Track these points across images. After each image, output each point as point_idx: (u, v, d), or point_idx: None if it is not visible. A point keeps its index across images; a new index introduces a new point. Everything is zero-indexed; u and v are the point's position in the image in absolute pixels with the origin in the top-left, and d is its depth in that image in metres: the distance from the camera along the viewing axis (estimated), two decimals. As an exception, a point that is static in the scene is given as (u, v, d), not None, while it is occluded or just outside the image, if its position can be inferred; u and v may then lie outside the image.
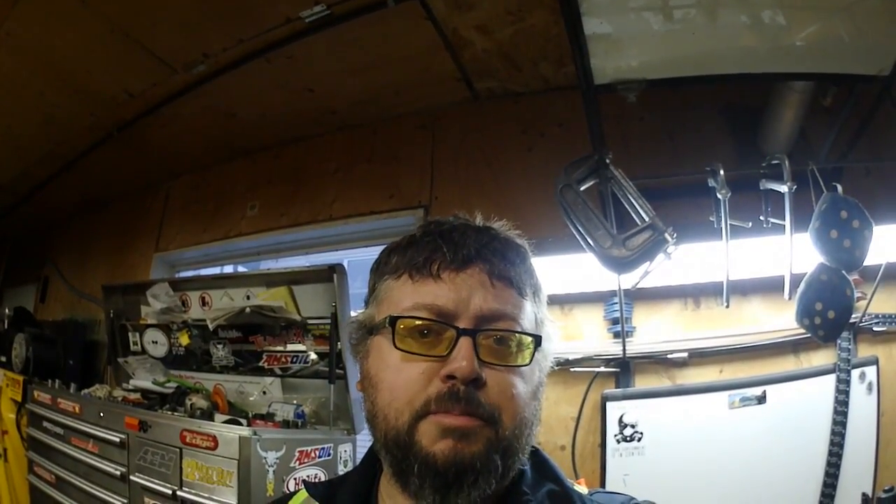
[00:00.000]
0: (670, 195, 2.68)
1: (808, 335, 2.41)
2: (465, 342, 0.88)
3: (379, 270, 1.02)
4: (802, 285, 2.22)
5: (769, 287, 2.63)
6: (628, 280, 2.57)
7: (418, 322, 0.91)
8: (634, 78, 2.35)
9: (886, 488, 2.47)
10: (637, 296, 2.78)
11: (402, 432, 0.89)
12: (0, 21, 2.84)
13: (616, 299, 2.74)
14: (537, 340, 0.93)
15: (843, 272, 2.20)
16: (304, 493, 1.09)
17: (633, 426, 2.66)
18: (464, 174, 3.22)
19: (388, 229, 3.33)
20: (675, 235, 2.20)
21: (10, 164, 4.43)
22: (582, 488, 1.03)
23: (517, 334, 0.92)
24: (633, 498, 1.01)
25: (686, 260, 2.58)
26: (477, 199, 3.11)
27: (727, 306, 2.41)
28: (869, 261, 2.42)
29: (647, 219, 2.25)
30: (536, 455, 1.03)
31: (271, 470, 2.48)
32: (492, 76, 3.11)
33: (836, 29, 2.17)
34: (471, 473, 0.86)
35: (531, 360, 0.92)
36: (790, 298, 2.26)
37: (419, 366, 0.90)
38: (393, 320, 0.92)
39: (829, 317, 2.19)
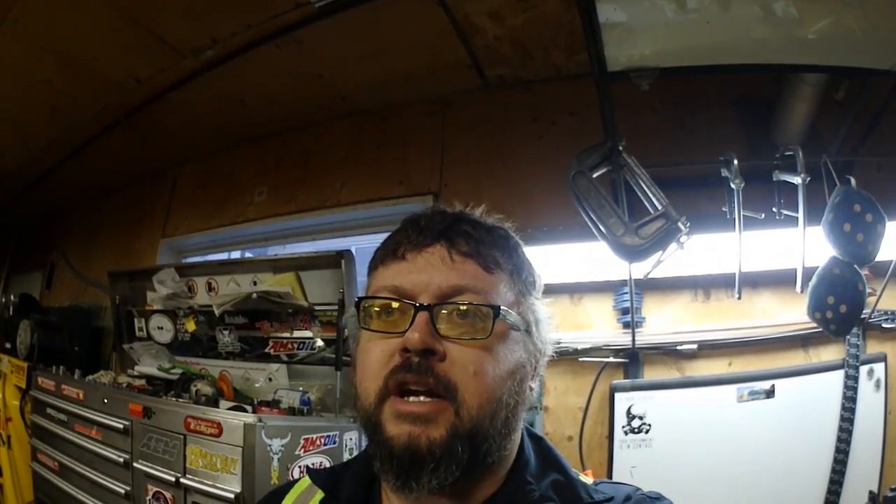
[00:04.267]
0: (681, 185, 2.64)
1: (818, 329, 2.39)
2: (420, 316, 0.90)
3: (370, 265, 1.05)
4: (814, 279, 2.20)
5: (779, 280, 2.61)
6: (639, 269, 2.55)
7: (379, 302, 0.95)
8: (648, 66, 2.32)
9: (893, 486, 2.45)
10: (647, 286, 2.76)
11: (371, 413, 0.91)
12: (7, 8, 2.83)
13: (626, 289, 2.72)
14: (496, 311, 0.92)
15: (856, 266, 2.17)
16: (306, 481, 1.10)
17: (641, 418, 2.64)
18: (474, 161, 3.20)
19: (397, 216, 3.24)
20: (688, 224, 2.18)
21: (18, 151, 4.43)
22: (587, 478, 1.02)
23: (476, 306, 0.92)
24: (638, 489, 1.00)
25: (696, 251, 2.56)
26: (487, 186, 3.09)
27: (739, 298, 2.39)
28: (879, 257, 2.40)
29: (660, 207, 2.22)
30: (541, 444, 1.03)
31: (276, 457, 2.46)
32: (503, 63, 3.08)
33: (849, 22, 2.13)
34: (429, 461, 0.86)
35: (491, 332, 0.91)
36: (802, 291, 2.23)
37: (383, 343, 0.92)
38: (358, 302, 0.97)
39: (841, 311, 2.17)
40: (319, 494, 1.06)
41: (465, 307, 0.91)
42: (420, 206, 3.11)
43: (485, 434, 0.89)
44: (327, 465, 2.60)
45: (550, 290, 2.71)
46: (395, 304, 0.93)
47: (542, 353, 1.01)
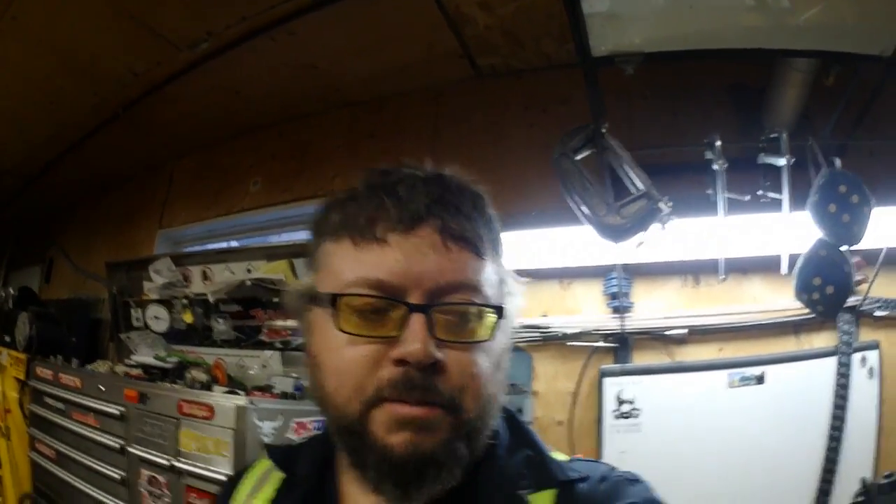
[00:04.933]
0: (672, 171, 2.65)
1: (810, 316, 2.44)
2: (417, 320, 0.77)
3: (318, 229, 0.89)
4: (801, 260, 2.21)
5: (770, 266, 2.59)
6: (627, 253, 2.56)
7: (363, 300, 0.79)
8: (633, 51, 2.33)
9: (887, 473, 2.45)
10: (636, 272, 2.77)
11: (353, 421, 0.79)
12: (6, 6, 2.86)
13: (615, 274, 2.73)
14: (499, 312, 0.82)
15: (842, 248, 2.18)
16: (266, 462, 1.03)
17: (630, 402, 2.65)
18: (466, 150, 3.20)
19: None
20: (670, 204, 2.19)
21: (16, 148, 4.44)
22: (562, 456, 0.95)
23: (478, 307, 0.81)
24: (614, 468, 0.93)
25: (686, 236, 2.59)
26: (478, 172, 3.05)
27: (724, 279, 2.40)
28: (871, 244, 2.41)
29: (642, 188, 2.23)
30: (512, 420, 0.94)
31: (267, 440, 2.48)
32: (494, 53, 3.10)
33: (840, 9, 2.14)
34: (432, 467, 0.78)
35: (493, 333, 0.82)
36: (788, 273, 2.25)
37: (366, 349, 0.78)
38: (334, 299, 0.80)
39: (828, 292, 2.18)
40: (278, 475, 0.98)
41: (467, 309, 0.80)
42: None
43: (480, 430, 0.82)
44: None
45: (540, 275, 2.70)
46: (383, 304, 0.79)
47: (513, 329, 0.92)
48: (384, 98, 3.57)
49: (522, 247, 2.78)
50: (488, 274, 0.84)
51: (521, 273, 2.59)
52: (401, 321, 0.77)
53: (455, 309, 0.80)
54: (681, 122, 2.91)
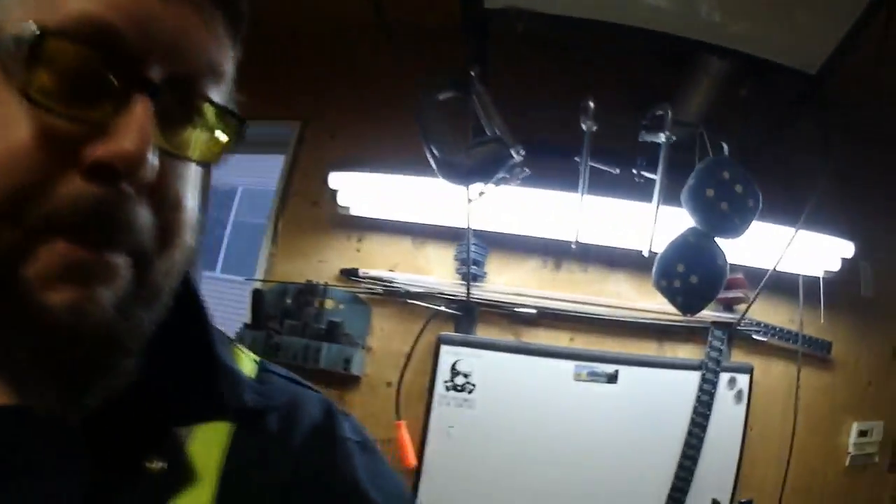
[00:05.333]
0: (556, 151, 2.48)
1: (677, 323, 2.42)
2: (142, 106, 0.47)
3: None
4: (666, 245, 2.02)
5: (638, 265, 2.44)
6: (483, 218, 2.42)
7: (78, 53, 0.46)
8: (524, 7, 2.21)
9: (743, 500, 2.38)
10: (494, 242, 2.60)
11: None
12: None
13: (469, 239, 2.56)
14: (242, 124, 0.56)
15: (717, 239, 2.00)
16: None
17: (465, 375, 2.47)
18: (358, 98, 2.99)
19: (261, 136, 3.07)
20: (522, 152, 2.02)
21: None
22: (250, 359, 0.69)
23: (223, 109, 0.55)
24: (331, 407, 0.69)
25: (550, 216, 2.45)
26: (353, 117, 2.92)
27: (574, 246, 2.23)
28: (757, 263, 2.36)
29: (497, 133, 2.07)
30: (188, 290, 0.61)
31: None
32: (402, 6, 2.96)
33: (770, 25, 2.05)
34: (111, 347, 0.49)
35: (224, 157, 0.56)
36: (648, 255, 2.07)
37: (51, 137, 0.46)
38: (38, 38, 0.45)
39: (691, 282, 1.98)
40: None
41: (211, 111, 0.54)
42: (287, 131, 2.95)
43: (163, 300, 0.55)
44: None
45: (394, 229, 2.55)
46: (101, 68, 0.47)
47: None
48: (283, 33, 3.30)
49: (380, 198, 2.60)
50: (233, 72, 0.57)
51: (379, 223, 2.40)
52: (116, 104, 0.47)
53: (199, 106, 0.53)
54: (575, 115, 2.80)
